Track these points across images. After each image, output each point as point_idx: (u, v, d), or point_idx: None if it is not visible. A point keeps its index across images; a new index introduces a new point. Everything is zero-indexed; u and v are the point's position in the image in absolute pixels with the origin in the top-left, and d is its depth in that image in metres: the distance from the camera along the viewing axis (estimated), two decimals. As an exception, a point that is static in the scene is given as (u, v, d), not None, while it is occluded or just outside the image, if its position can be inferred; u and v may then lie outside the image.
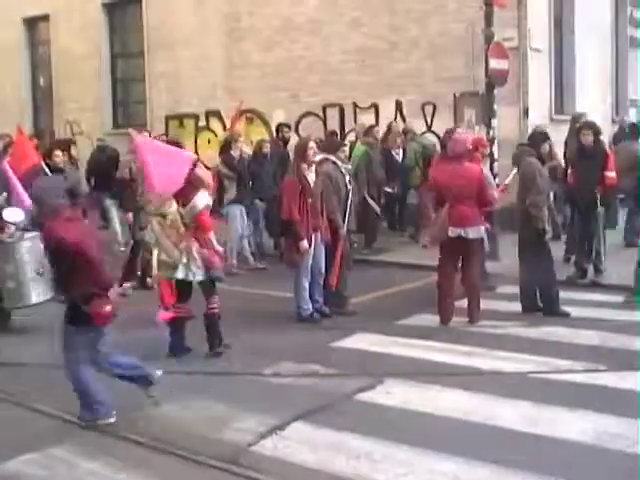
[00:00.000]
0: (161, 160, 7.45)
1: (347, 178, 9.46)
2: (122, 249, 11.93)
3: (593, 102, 17.63)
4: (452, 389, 6.58)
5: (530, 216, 8.89)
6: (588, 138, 10.60)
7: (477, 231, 8.78)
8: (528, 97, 14.80)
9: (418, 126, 15.14)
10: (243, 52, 18.23)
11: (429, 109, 15.64)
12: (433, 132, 15.22)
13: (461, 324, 8.77)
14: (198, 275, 7.62)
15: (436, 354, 7.63)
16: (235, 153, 12.45)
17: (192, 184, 7.53)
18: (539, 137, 9.58)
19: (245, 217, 12.57)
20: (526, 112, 14.65)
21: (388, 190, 14.25)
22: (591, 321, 8.70)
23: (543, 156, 9.27)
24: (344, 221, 9.30)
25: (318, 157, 9.22)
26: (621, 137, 15.23)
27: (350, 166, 9.93)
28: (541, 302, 9.13)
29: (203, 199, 7.64)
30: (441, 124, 14.45)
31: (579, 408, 6.00)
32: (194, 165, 7.57)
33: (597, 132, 10.73)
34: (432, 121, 15.51)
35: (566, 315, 8.91)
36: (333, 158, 9.41)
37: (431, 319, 8.94)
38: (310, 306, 9.13)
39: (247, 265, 12.58)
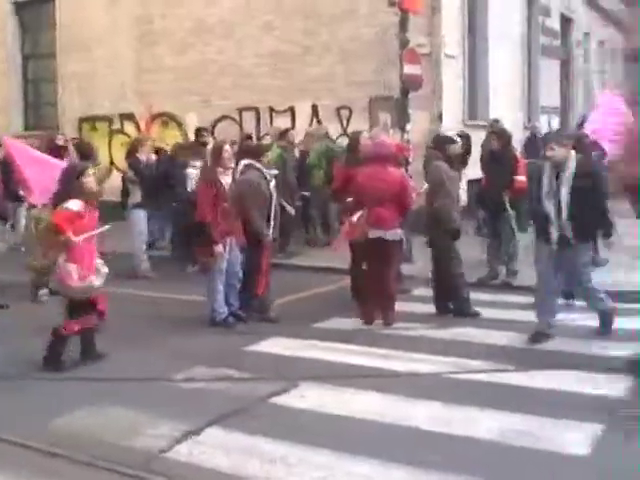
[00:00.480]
0: (35, 167, 7.33)
1: (272, 184, 9.30)
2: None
3: (505, 108, 18.00)
4: (367, 391, 6.60)
5: (439, 219, 9.04)
6: (494, 143, 10.90)
7: (396, 234, 8.86)
8: (442, 102, 15.03)
9: (334, 130, 15.21)
10: (156, 56, 18.04)
11: (345, 113, 15.73)
12: (349, 136, 15.27)
13: (377, 326, 8.82)
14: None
15: (351, 357, 7.64)
16: (142, 157, 12.29)
17: (74, 191, 7.28)
18: (442, 140, 9.72)
19: (146, 222, 12.34)
20: (440, 117, 14.87)
21: (305, 194, 14.25)
22: (502, 322, 8.85)
23: (452, 158, 9.39)
24: (269, 228, 9.19)
25: (243, 162, 9.16)
26: (532, 143, 15.61)
27: (275, 171, 9.78)
28: (451, 303, 9.27)
29: (71, 205, 7.24)
30: (356, 128, 14.51)
31: (489, 407, 6.09)
32: (80, 173, 7.35)
33: (506, 138, 11.00)
34: (348, 125, 15.59)
35: (476, 315, 9.07)
36: (257, 164, 9.26)
37: (346, 322, 8.98)
38: (225, 310, 9.04)
39: (139, 272, 12.22)
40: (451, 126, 14.55)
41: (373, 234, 8.74)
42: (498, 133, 11.22)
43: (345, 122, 15.68)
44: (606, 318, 8.23)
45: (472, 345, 7.94)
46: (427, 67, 14.27)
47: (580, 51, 25.99)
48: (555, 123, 22.26)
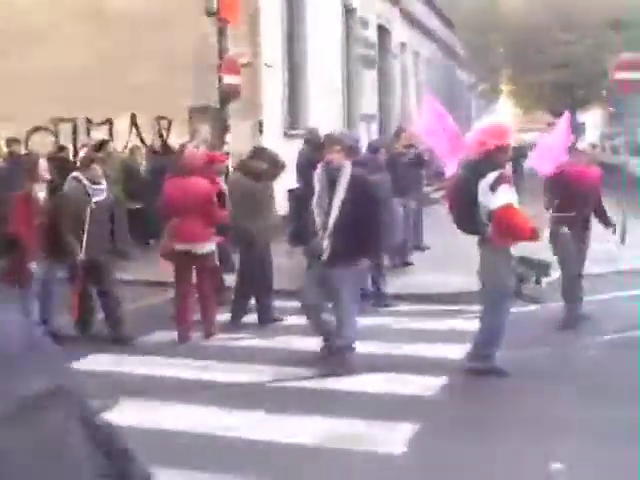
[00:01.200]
0: None
1: (94, 199, 8.66)
2: None
3: (326, 117, 18.31)
4: (187, 404, 6.56)
5: (241, 228, 9.08)
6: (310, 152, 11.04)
7: (206, 246, 8.77)
8: (262, 112, 15.11)
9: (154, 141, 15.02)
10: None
11: (164, 124, 15.53)
12: (168, 146, 15.12)
13: (198, 338, 8.75)
14: None
15: (173, 370, 7.56)
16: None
17: None
18: (257, 152, 9.76)
19: None
20: (260, 127, 14.94)
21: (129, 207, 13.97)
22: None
23: (256, 171, 9.36)
24: (81, 247, 8.50)
25: (71, 175, 8.81)
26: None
27: (103, 186, 9.13)
28: (257, 310, 9.30)
29: None
30: (177, 139, 14.41)
31: (309, 413, 6.18)
32: None
33: (322, 146, 11.06)
34: (167, 136, 15.40)
35: (280, 321, 9.17)
36: (80, 176, 8.75)
37: (168, 335, 8.84)
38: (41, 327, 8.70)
39: None
40: (272, 135, 14.67)
41: (181, 248, 8.60)
42: (314, 142, 11.37)
43: (165, 133, 15.47)
44: (341, 355, 7.40)
45: (292, 353, 8.01)
46: (247, 77, 14.33)
47: (396, 61, 26.83)
48: (374, 131, 22.87)
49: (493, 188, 6.78)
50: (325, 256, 7.09)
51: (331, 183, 7.17)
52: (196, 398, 6.68)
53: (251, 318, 9.35)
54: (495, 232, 6.89)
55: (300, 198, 10.32)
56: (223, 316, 9.20)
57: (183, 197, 8.54)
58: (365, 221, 7.03)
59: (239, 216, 9.04)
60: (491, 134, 7.17)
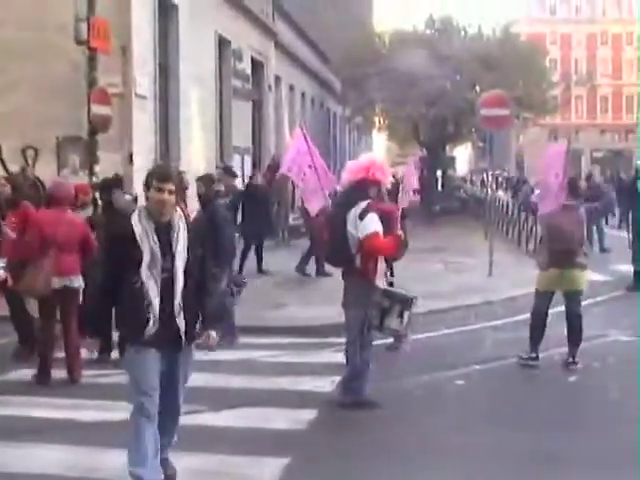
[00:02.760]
0: None
1: None
2: None
3: (199, 148, 18.22)
4: (52, 445, 6.35)
5: None
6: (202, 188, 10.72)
7: (80, 280, 8.52)
8: (133, 143, 14.86)
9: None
10: None
11: (31, 153, 15.03)
12: (37, 178, 14.65)
13: (63, 376, 8.44)
14: None
15: (35, 410, 7.27)
16: None
17: None
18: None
19: None
20: (130, 158, 14.67)
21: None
22: (201, 363, 8.81)
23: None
24: None
25: None
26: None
27: None
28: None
29: None
30: (44, 169, 14.02)
31: (178, 449, 6.03)
32: None
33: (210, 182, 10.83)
34: (34, 166, 14.89)
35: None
36: None
37: (29, 374, 8.49)
38: None
39: None
40: (143, 167, 14.43)
41: (58, 283, 8.27)
42: (202, 179, 10.99)
43: (31, 163, 14.96)
44: None
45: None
46: (118, 107, 14.10)
47: (271, 94, 27.00)
48: (248, 163, 22.92)
49: (361, 216, 6.94)
50: None
51: None
52: (59, 438, 6.46)
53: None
54: (364, 259, 7.00)
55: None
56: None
57: (61, 230, 8.24)
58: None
59: None
60: (363, 167, 7.32)
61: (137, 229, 5.11)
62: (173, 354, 5.24)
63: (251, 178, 17.67)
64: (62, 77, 14.62)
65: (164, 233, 5.14)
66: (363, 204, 7.05)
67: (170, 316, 5.10)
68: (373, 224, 6.98)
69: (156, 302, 5.05)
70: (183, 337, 5.17)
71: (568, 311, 8.86)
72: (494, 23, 38.21)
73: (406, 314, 7.17)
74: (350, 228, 7.04)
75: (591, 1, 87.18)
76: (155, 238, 5.10)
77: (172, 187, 5.15)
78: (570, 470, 5.79)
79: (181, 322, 5.13)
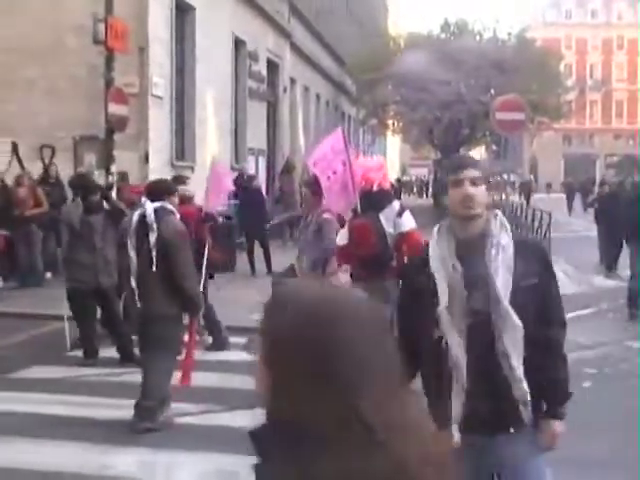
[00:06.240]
0: None
1: None
2: None
3: (214, 149, 18.26)
4: (68, 442, 6.35)
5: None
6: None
7: None
8: (149, 143, 14.93)
9: (36, 169, 14.62)
10: None
11: (47, 152, 15.12)
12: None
13: (77, 375, 8.45)
14: None
15: (48, 407, 7.29)
16: None
17: None
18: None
19: None
20: (146, 158, 14.74)
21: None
22: (211, 363, 8.87)
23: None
24: None
25: None
26: (241, 182, 15.96)
27: None
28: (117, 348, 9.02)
29: None
30: (61, 168, 14.11)
31: (196, 450, 6.07)
32: None
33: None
34: (50, 164, 14.96)
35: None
36: None
37: (46, 370, 8.54)
38: None
39: None
40: (159, 167, 14.52)
41: None
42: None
43: (48, 161, 15.04)
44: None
45: (178, 388, 7.86)
46: (135, 107, 14.18)
47: (286, 95, 27.02)
48: (263, 164, 22.97)
49: (400, 214, 6.98)
50: None
51: None
52: (74, 435, 6.46)
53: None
54: (400, 256, 6.98)
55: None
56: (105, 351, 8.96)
57: None
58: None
59: None
60: (381, 165, 7.44)
61: None
62: None
63: (251, 178, 17.57)
64: (79, 77, 14.72)
65: None
66: (396, 204, 7.12)
67: None
68: (412, 220, 7.07)
69: None
70: None
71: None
72: (509, 27, 38.31)
73: None
74: (387, 228, 7.06)
75: (607, 5, 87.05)
76: None
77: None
78: (586, 474, 5.78)
79: None
